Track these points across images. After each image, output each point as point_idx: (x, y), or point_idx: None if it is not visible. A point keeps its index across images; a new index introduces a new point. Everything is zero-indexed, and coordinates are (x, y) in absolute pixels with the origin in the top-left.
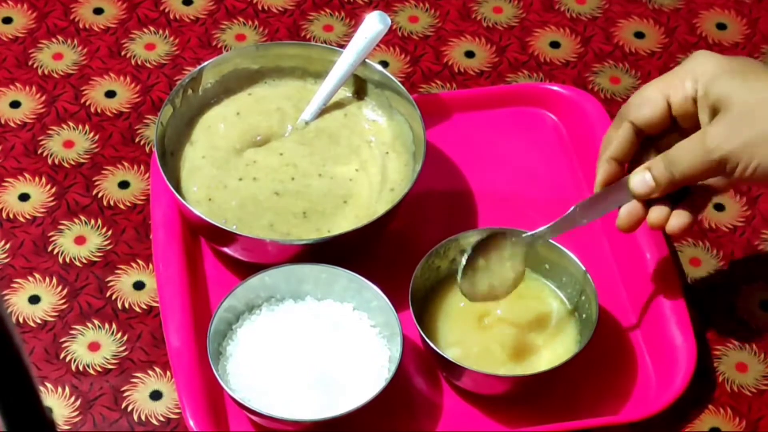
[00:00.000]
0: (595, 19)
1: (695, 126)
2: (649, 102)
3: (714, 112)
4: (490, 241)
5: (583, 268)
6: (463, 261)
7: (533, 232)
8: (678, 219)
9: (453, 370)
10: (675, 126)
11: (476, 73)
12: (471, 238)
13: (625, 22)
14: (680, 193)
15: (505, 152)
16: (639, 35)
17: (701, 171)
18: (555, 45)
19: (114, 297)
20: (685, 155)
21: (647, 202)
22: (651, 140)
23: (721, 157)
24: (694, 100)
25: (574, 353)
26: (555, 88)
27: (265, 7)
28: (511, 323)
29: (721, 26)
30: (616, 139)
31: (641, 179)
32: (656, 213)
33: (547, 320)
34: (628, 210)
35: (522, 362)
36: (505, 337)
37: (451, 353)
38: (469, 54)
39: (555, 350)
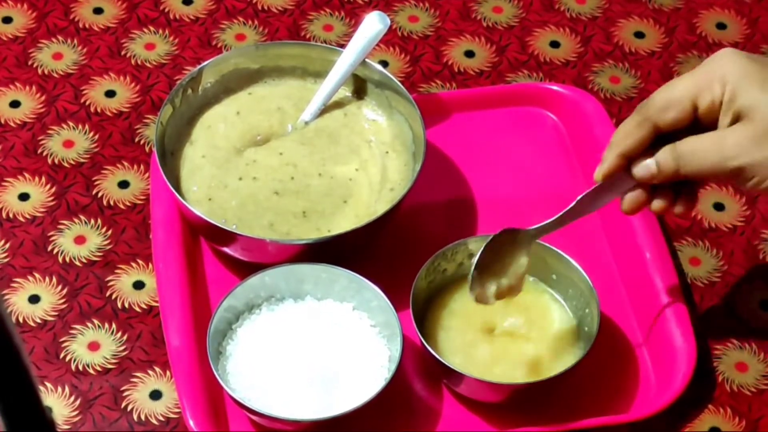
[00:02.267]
0: (595, 19)
1: (714, 126)
2: (676, 106)
3: (736, 118)
4: (498, 240)
5: (590, 283)
6: (473, 267)
7: (540, 225)
8: (679, 207)
9: (453, 377)
10: (694, 125)
11: (476, 73)
12: (480, 243)
13: (625, 21)
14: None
15: (505, 152)
16: (639, 35)
17: (710, 174)
18: (555, 45)
19: (114, 297)
20: (697, 155)
21: (651, 188)
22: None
23: (737, 167)
24: (720, 103)
25: (572, 363)
26: (555, 87)
27: (265, 7)
28: (513, 332)
29: (721, 26)
30: (635, 138)
31: (645, 166)
32: (659, 202)
33: (550, 330)
34: (633, 197)
35: (522, 371)
36: (507, 346)
37: (452, 360)
38: (469, 54)
39: (555, 360)
